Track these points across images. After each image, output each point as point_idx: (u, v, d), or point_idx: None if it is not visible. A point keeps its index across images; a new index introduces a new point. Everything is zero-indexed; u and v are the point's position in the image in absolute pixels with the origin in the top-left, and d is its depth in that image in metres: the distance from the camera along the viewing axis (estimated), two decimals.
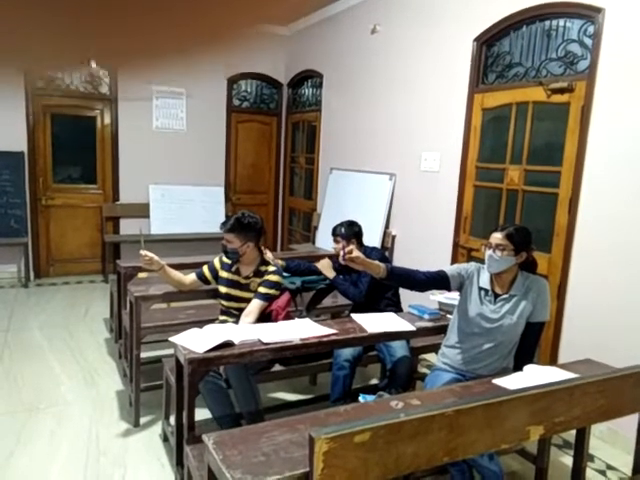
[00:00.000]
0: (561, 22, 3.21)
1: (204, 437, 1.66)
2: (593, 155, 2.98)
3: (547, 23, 3.30)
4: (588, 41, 3.03)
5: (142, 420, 2.94)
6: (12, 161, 5.50)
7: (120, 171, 6.09)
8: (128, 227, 6.11)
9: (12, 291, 5.42)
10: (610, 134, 2.89)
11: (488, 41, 3.69)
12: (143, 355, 2.97)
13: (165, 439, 2.75)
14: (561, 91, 3.13)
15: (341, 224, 3.15)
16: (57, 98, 5.76)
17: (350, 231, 3.09)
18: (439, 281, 2.40)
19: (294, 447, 1.61)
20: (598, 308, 2.95)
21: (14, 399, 3.14)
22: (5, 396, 3.17)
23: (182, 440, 2.13)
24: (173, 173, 6.29)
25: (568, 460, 2.61)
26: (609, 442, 2.92)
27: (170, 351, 2.36)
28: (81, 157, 6.08)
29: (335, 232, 3.13)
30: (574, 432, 2.29)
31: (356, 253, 2.21)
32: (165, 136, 6.24)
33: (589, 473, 2.56)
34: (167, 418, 2.74)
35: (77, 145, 6.05)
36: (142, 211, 6.09)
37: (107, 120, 6.01)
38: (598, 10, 2.91)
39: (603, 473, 2.66)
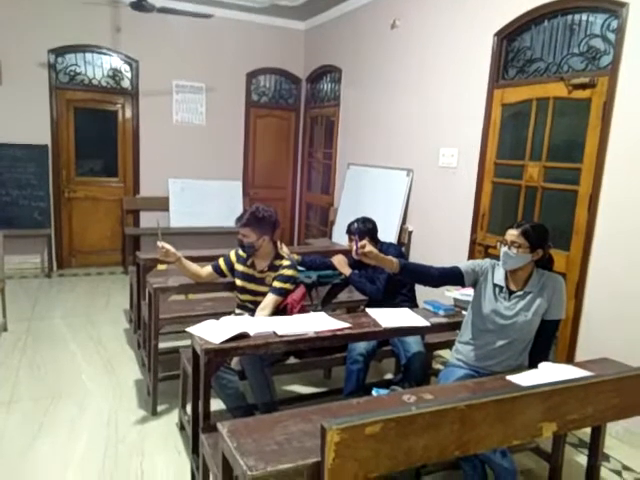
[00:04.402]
0: (584, 17, 3.16)
1: (219, 425, 1.69)
2: (614, 152, 2.93)
3: (569, 18, 3.25)
4: (611, 36, 2.98)
5: (159, 409, 3.00)
6: (36, 154, 5.64)
7: (141, 164, 6.19)
8: (148, 220, 6.20)
9: (35, 281, 5.56)
10: (632, 130, 2.84)
11: (509, 36, 3.65)
12: (161, 345, 3.03)
13: (181, 427, 2.81)
14: (583, 87, 3.09)
15: (355, 221, 3.14)
16: (80, 92, 5.87)
17: (364, 228, 3.08)
18: (452, 277, 2.39)
19: (307, 437, 1.63)
20: (617, 307, 2.92)
21: (37, 386, 3.23)
22: (28, 383, 3.27)
23: (198, 428, 2.17)
24: (192, 167, 6.37)
25: (583, 459, 2.59)
26: (626, 442, 2.89)
27: (187, 342, 2.40)
28: (103, 151, 6.19)
29: (349, 230, 3.13)
30: (589, 431, 2.28)
31: (369, 248, 2.21)
32: (185, 130, 6.32)
33: (604, 473, 2.54)
34: (184, 407, 2.79)
35: (99, 139, 6.17)
36: (162, 204, 6.19)
37: (128, 114, 6.10)
38: (622, 4, 2.86)
39: (619, 473, 2.64)
